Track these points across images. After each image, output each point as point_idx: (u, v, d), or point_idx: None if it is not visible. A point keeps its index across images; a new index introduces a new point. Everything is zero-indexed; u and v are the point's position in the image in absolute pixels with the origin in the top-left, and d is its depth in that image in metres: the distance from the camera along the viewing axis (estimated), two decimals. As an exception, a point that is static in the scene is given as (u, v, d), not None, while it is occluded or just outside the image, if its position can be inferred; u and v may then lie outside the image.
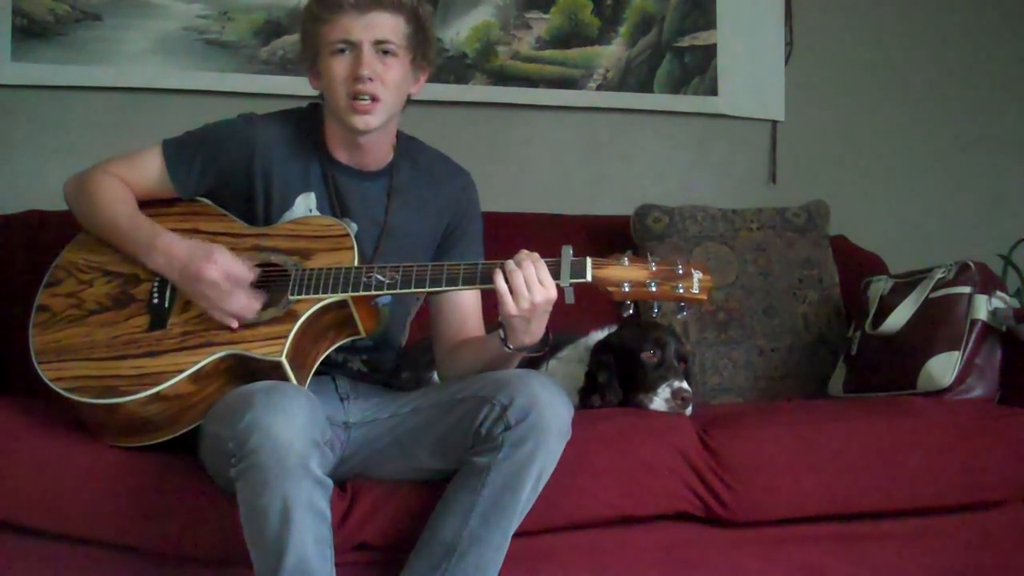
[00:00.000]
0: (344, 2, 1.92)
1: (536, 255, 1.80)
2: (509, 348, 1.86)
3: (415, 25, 2.00)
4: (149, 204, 2.04)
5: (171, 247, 1.91)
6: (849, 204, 3.26)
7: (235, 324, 1.86)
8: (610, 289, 1.78)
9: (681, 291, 1.77)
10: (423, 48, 2.03)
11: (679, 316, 1.83)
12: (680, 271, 1.78)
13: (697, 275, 1.78)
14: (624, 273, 1.79)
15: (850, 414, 2.28)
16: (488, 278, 1.82)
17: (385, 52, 1.96)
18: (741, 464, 2.10)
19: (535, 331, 1.84)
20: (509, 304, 1.78)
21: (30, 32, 2.94)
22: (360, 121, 1.95)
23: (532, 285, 1.77)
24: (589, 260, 1.79)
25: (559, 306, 1.82)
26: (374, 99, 1.94)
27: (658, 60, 3.38)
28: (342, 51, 1.95)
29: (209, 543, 1.86)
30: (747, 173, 3.47)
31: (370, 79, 1.93)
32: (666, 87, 3.38)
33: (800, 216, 2.98)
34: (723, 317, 2.84)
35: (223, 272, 1.86)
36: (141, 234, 1.95)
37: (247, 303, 1.87)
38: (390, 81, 1.96)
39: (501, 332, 1.86)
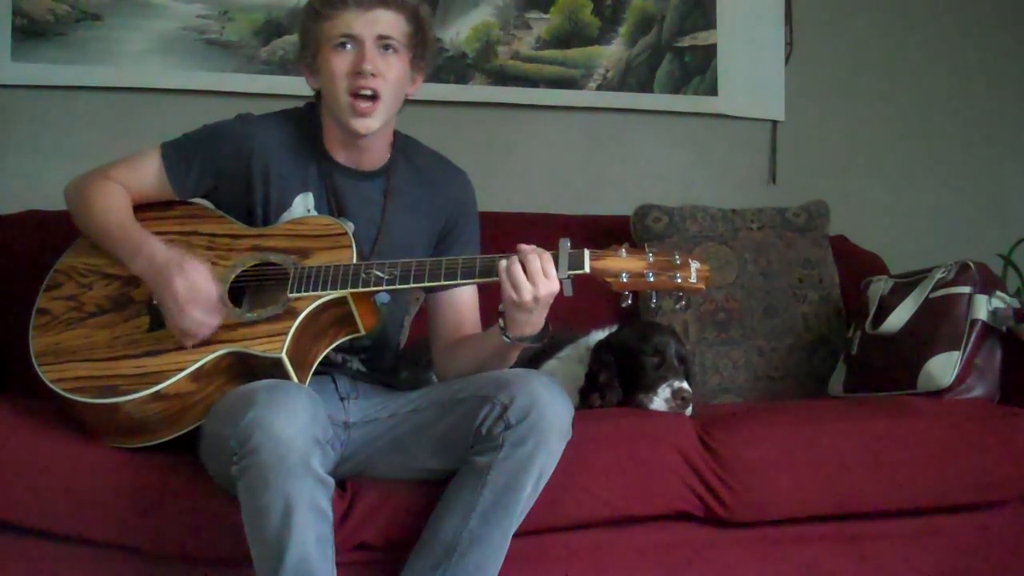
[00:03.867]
0: None
1: (538, 248, 1.81)
2: (508, 339, 1.86)
3: (415, 24, 2.01)
4: (148, 207, 2.04)
5: (154, 254, 1.91)
6: (849, 204, 3.26)
7: (187, 342, 1.84)
8: (608, 280, 1.79)
9: (679, 281, 1.78)
10: (422, 48, 2.03)
11: (677, 307, 1.83)
12: (678, 261, 1.79)
13: (695, 265, 1.79)
14: (622, 264, 1.79)
15: (850, 414, 2.28)
16: (487, 272, 1.82)
17: (386, 47, 1.96)
18: (741, 464, 2.10)
19: (535, 322, 1.84)
20: (511, 293, 1.78)
21: (30, 32, 2.94)
22: (361, 124, 1.96)
23: (536, 278, 1.77)
24: (587, 251, 1.80)
25: (560, 305, 1.82)
26: (375, 97, 1.95)
27: (658, 60, 3.38)
28: (344, 46, 1.95)
29: (209, 543, 1.86)
30: (747, 173, 3.47)
31: (372, 74, 1.93)
32: (666, 87, 3.38)
33: (800, 216, 2.98)
34: (723, 317, 2.84)
35: (187, 286, 1.84)
36: (130, 240, 1.95)
37: (200, 321, 1.84)
38: (391, 78, 1.97)
39: (500, 322, 1.86)
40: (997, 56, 3.64)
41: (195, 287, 1.84)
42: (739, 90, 3.42)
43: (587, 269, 1.79)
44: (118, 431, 1.88)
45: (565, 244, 1.81)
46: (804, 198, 3.05)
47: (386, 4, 1.96)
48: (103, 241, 2.00)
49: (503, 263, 1.79)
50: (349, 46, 1.95)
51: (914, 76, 3.58)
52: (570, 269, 1.79)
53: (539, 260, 1.78)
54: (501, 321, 1.86)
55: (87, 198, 2.01)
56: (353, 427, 1.98)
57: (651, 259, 1.80)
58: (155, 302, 1.91)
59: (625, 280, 1.78)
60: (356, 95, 1.94)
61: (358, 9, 1.94)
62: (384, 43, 1.96)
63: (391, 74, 1.97)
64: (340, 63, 1.95)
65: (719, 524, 2.11)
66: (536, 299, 1.78)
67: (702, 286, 1.79)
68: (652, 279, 1.78)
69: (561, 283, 1.79)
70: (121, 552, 1.90)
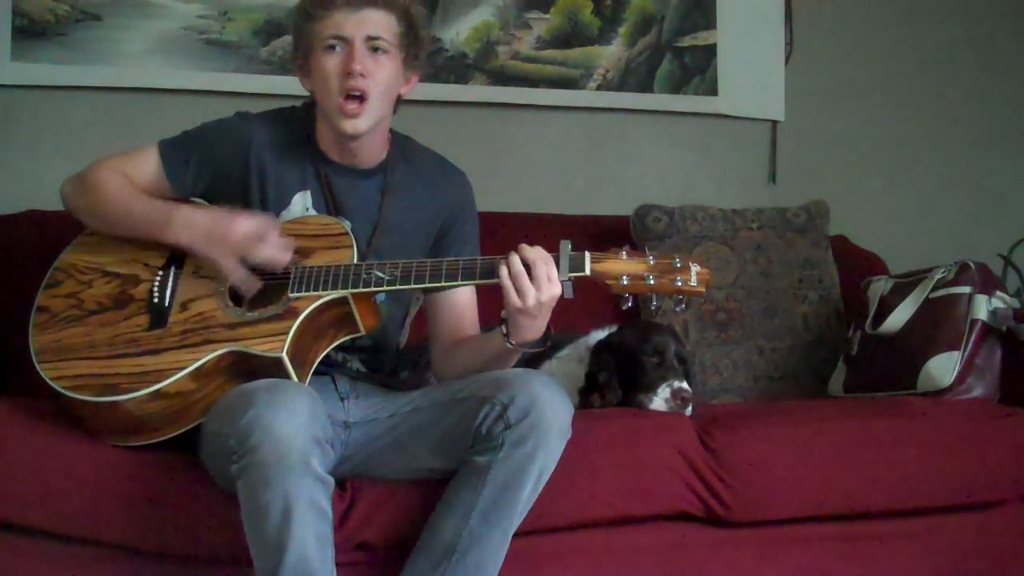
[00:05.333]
0: None
1: (541, 250, 1.81)
2: (511, 344, 1.86)
3: (407, 24, 2.01)
4: (148, 204, 2.04)
5: (192, 216, 1.93)
6: (849, 204, 3.26)
7: (287, 257, 1.89)
8: (608, 283, 1.79)
9: (679, 284, 1.78)
10: (415, 48, 2.04)
11: (677, 310, 1.83)
12: (678, 264, 1.79)
13: (695, 268, 1.79)
14: (622, 267, 1.79)
15: (850, 414, 2.28)
16: (488, 273, 1.82)
17: (376, 49, 1.96)
18: (741, 464, 2.10)
19: (538, 326, 1.84)
20: (515, 299, 1.78)
21: (30, 32, 2.94)
22: (349, 125, 1.96)
23: (540, 282, 1.77)
24: (587, 254, 1.80)
25: (559, 304, 1.82)
26: (363, 98, 1.95)
27: (658, 60, 3.38)
28: (333, 47, 1.96)
29: (209, 543, 1.86)
30: (747, 173, 3.47)
31: (361, 75, 1.94)
32: (666, 87, 3.38)
33: (800, 216, 2.98)
34: (723, 317, 2.84)
35: (254, 221, 1.89)
36: (157, 212, 1.95)
37: (282, 243, 1.90)
38: (381, 79, 1.97)
39: (503, 328, 1.86)
40: (997, 56, 3.64)
41: (258, 221, 1.90)
42: (739, 90, 3.42)
43: (588, 272, 1.79)
44: (118, 429, 1.88)
45: (566, 246, 1.81)
46: (804, 198, 3.05)
47: (376, 4, 1.96)
48: (124, 221, 1.99)
49: (505, 271, 1.79)
50: (338, 47, 1.96)
51: (914, 76, 3.58)
52: (571, 271, 1.79)
53: (542, 263, 1.78)
54: (503, 327, 1.86)
55: (97, 186, 2.00)
56: (353, 427, 1.98)
57: (652, 262, 1.80)
58: (155, 294, 1.93)
59: (625, 283, 1.78)
60: (346, 96, 1.94)
61: (347, 9, 1.95)
62: (373, 44, 1.96)
63: (380, 75, 1.97)
64: (330, 64, 1.95)
65: (719, 524, 2.11)
66: (539, 303, 1.78)
67: (702, 290, 1.79)
68: (652, 282, 1.78)
69: (561, 285, 1.79)
70: (121, 552, 1.90)
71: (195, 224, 1.92)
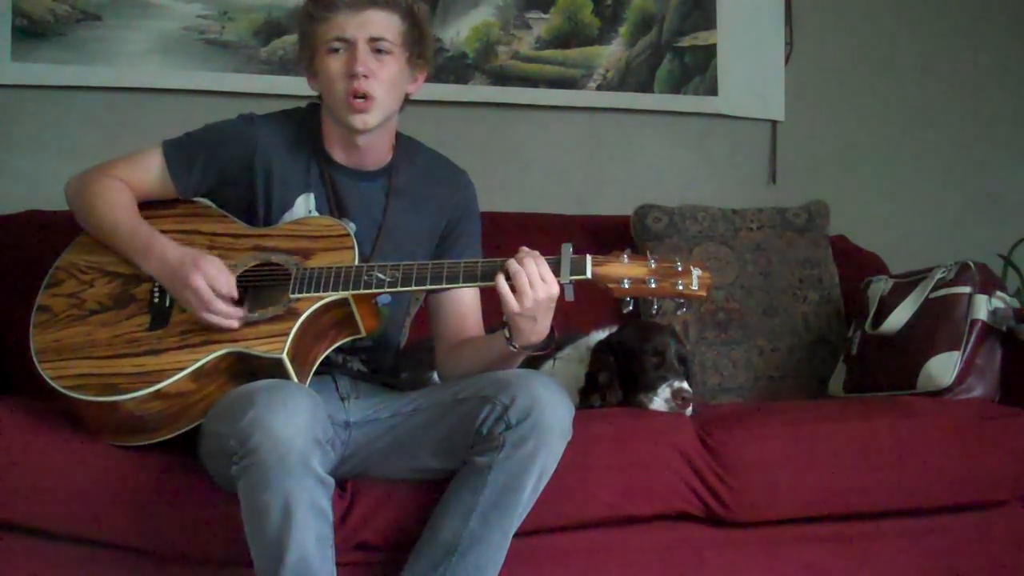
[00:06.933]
0: (339, 0, 1.93)
1: (536, 252, 1.81)
2: (514, 347, 1.86)
3: (410, 23, 2.00)
4: (149, 205, 2.04)
5: (165, 252, 1.92)
6: (849, 204, 3.26)
7: (231, 325, 1.85)
8: (610, 286, 1.79)
9: (680, 288, 1.78)
10: (419, 46, 2.03)
11: (678, 313, 1.84)
12: (679, 268, 1.79)
13: (696, 272, 1.79)
14: (624, 270, 1.79)
15: (850, 414, 2.28)
16: (489, 276, 1.82)
17: (379, 51, 1.96)
18: (741, 464, 2.10)
19: (540, 329, 1.84)
20: (512, 303, 1.78)
21: (30, 32, 2.94)
22: (358, 120, 1.96)
23: (535, 282, 1.77)
24: (589, 257, 1.80)
25: (560, 305, 1.82)
26: (368, 97, 1.95)
27: (658, 60, 3.38)
28: (337, 50, 1.96)
29: (209, 543, 1.87)
30: (747, 173, 3.47)
31: (365, 76, 1.94)
32: (666, 87, 3.38)
33: (800, 216, 2.98)
34: (723, 317, 2.84)
35: (207, 282, 1.85)
36: (139, 239, 1.95)
37: (226, 312, 1.85)
38: (385, 79, 1.97)
39: (506, 331, 1.86)
40: (997, 56, 3.65)
41: (215, 281, 1.85)
42: (739, 90, 3.42)
43: (589, 275, 1.79)
44: (118, 429, 1.89)
45: (567, 249, 1.81)
46: (804, 198, 3.05)
47: (378, 4, 1.96)
48: (110, 239, 2.00)
49: (500, 276, 1.79)
50: (342, 49, 1.96)
51: (914, 76, 3.59)
52: (572, 274, 1.79)
53: (535, 264, 1.78)
54: (506, 331, 1.86)
55: (91, 196, 2.01)
56: (354, 427, 1.98)
57: (653, 265, 1.79)
58: (156, 294, 1.93)
59: (627, 286, 1.78)
60: (352, 96, 1.95)
61: (349, 11, 1.94)
62: (376, 45, 1.96)
63: (384, 74, 1.97)
64: (334, 66, 1.96)
65: (719, 524, 2.11)
66: (537, 303, 1.78)
67: (704, 293, 1.79)
68: (654, 285, 1.78)
69: (563, 288, 1.79)
70: (121, 552, 1.90)
71: (166, 262, 1.91)
